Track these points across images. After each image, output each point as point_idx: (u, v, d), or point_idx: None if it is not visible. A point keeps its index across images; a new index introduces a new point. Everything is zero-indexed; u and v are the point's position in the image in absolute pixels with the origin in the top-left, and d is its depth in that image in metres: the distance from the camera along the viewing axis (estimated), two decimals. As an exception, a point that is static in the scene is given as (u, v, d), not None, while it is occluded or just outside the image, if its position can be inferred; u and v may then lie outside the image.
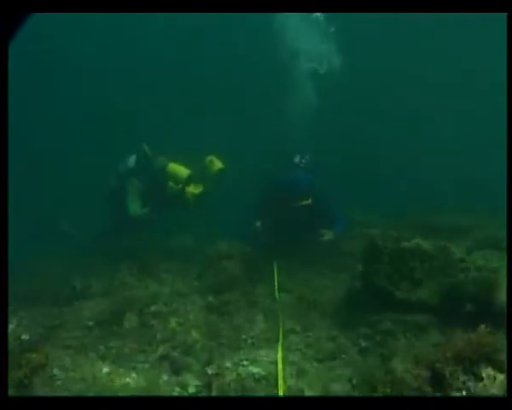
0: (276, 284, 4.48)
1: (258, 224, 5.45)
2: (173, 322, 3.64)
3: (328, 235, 5.37)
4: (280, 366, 2.61)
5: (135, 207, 5.76)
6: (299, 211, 5.32)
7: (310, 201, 5.32)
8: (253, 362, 2.72)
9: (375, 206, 6.95)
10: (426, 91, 11.32)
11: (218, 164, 5.73)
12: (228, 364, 2.74)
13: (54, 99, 12.00)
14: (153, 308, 3.82)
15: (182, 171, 5.72)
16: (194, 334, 3.44)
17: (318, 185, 5.60)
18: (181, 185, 5.63)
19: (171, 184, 5.67)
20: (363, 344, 3.50)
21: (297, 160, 6.12)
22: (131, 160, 6.05)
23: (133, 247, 5.87)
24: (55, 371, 2.69)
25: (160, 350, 3.18)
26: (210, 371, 2.69)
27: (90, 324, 3.52)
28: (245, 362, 2.73)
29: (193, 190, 5.65)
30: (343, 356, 3.32)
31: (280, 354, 2.81)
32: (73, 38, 11.82)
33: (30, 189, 8.82)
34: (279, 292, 4.43)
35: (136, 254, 5.58)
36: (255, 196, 5.88)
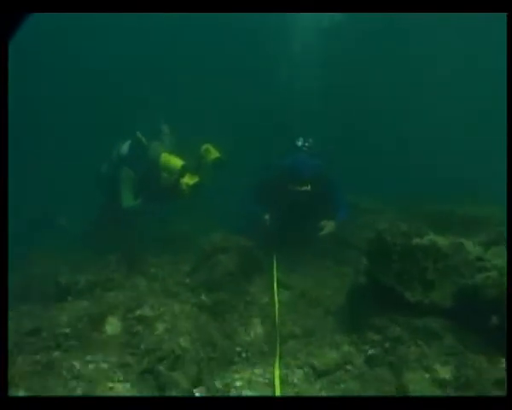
0: (275, 283, 4.12)
1: (266, 217, 5.05)
2: (160, 328, 3.28)
3: (328, 226, 5.00)
4: (278, 391, 2.27)
5: (128, 199, 5.48)
6: (299, 198, 4.98)
7: (309, 187, 4.96)
8: (248, 383, 2.38)
9: (386, 194, 6.59)
10: (443, 87, 10.83)
11: (214, 153, 5.33)
12: (219, 384, 2.40)
13: (54, 95, 11.58)
14: (138, 312, 3.46)
15: (175, 162, 5.33)
16: (183, 342, 3.09)
17: (324, 171, 5.22)
18: (175, 176, 5.29)
19: (164, 175, 5.36)
20: (370, 352, 3.17)
21: (300, 143, 5.68)
22: (125, 147, 5.72)
23: (124, 239, 5.56)
24: (21, 393, 2.35)
25: (144, 363, 2.84)
26: (198, 394, 2.35)
27: (67, 331, 3.16)
28: (238, 383, 2.39)
29: (188, 180, 5.25)
30: (348, 367, 3.00)
31: (277, 373, 2.47)
32: (73, 34, 11.47)
33: (32, 183, 8.69)
34: (278, 289, 4.08)
35: (127, 247, 5.27)
36: (253, 186, 5.52)
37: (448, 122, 10.21)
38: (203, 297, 3.96)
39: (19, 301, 4.21)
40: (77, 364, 2.67)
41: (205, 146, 5.38)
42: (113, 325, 3.26)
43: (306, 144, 5.66)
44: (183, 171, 5.28)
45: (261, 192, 5.34)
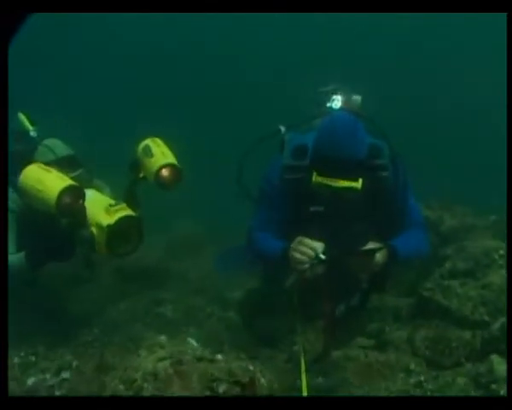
0: None
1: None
2: None
3: (378, 255, 2.29)
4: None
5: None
6: (336, 204, 2.37)
7: (359, 183, 2.28)
8: None
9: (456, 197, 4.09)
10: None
11: (162, 156, 2.64)
12: None
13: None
14: None
15: (54, 182, 2.39)
16: None
17: (387, 156, 2.47)
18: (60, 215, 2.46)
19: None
20: None
21: (336, 103, 2.83)
22: None
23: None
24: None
25: None
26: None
27: None
28: None
29: (102, 218, 2.47)
30: None
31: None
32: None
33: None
34: None
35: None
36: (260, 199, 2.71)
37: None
38: None
39: None
40: None
41: (144, 143, 2.70)
42: None
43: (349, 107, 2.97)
44: (73, 200, 2.39)
45: (271, 206, 2.65)
